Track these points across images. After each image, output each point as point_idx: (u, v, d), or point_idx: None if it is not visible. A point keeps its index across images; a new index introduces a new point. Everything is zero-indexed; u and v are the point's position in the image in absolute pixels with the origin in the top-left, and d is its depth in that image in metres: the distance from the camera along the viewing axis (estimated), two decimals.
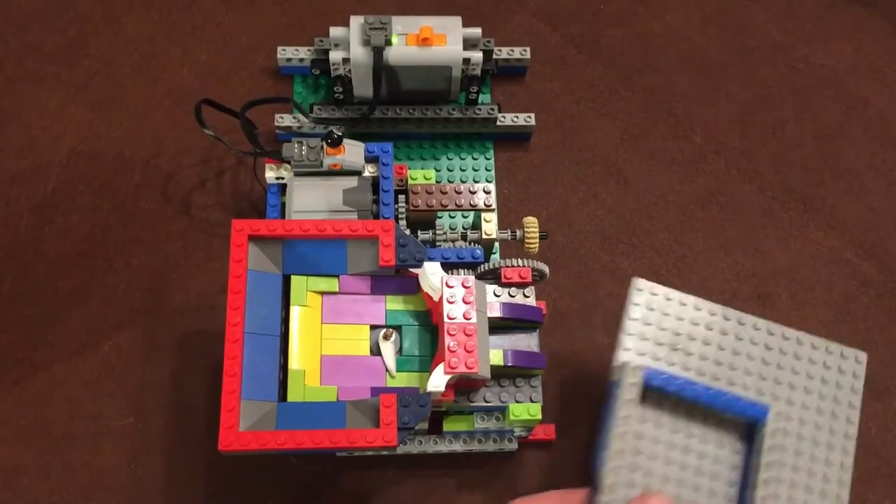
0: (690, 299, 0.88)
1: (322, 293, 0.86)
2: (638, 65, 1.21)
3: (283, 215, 0.95)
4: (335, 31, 1.06)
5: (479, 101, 1.13)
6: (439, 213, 0.98)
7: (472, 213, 1.07)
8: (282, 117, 1.10)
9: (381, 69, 1.04)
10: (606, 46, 1.22)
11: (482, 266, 0.89)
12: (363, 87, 1.08)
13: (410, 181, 0.97)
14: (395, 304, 0.86)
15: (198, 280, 1.05)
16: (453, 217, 1.08)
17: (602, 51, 1.21)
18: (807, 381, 0.86)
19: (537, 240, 0.95)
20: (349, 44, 1.04)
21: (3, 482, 0.95)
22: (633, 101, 1.18)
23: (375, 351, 0.84)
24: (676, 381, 0.83)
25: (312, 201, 0.92)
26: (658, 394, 0.84)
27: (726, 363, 0.86)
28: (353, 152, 0.94)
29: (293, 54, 1.15)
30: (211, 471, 0.96)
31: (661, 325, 0.87)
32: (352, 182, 0.94)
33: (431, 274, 0.84)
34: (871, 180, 1.15)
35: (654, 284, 0.88)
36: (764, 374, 0.86)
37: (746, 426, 0.85)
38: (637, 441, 0.83)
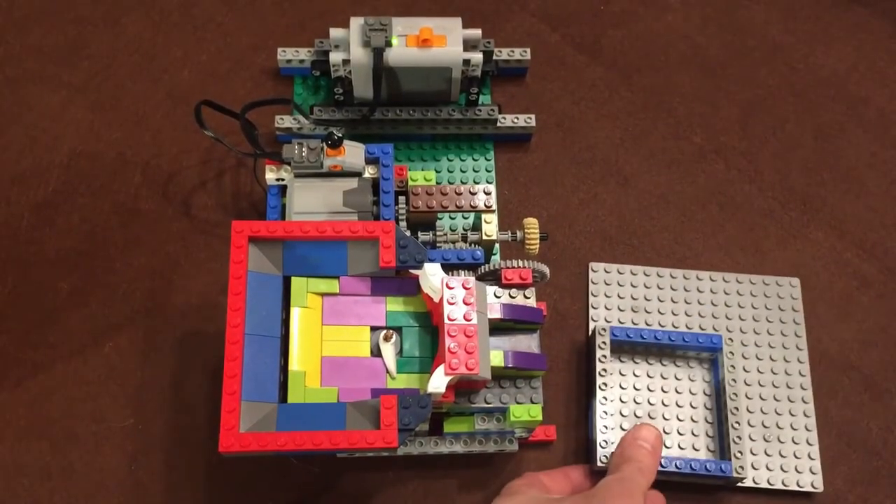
0: (639, 269, 1.08)
1: (322, 294, 0.86)
2: (638, 65, 1.21)
3: (283, 216, 0.95)
4: (335, 33, 1.06)
5: (480, 103, 1.12)
6: (439, 215, 0.98)
7: (472, 215, 1.07)
8: (282, 118, 1.10)
9: (381, 70, 1.04)
10: (607, 47, 1.21)
11: (483, 267, 0.89)
12: (363, 89, 1.08)
13: (411, 182, 0.97)
14: (395, 305, 0.86)
15: (198, 281, 1.05)
16: (453, 218, 1.09)
17: (602, 51, 1.21)
18: (752, 311, 1.06)
19: (538, 241, 0.95)
20: (349, 45, 1.04)
21: (5, 482, 0.95)
22: (633, 101, 1.18)
23: (376, 352, 0.84)
24: (640, 331, 1.00)
25: (313, 203, 0.92)
26: (630, 348, 1.02)
27: (681, 312, 1.06)
28: (353, 153, 0.94)
29: (293, 55, 1.15)
30: (211, 471, 0.96)
31: (619, 295, 1.07)
32: (352, 183, 0.94)
33: (432, 275, 0.84)
34: (871, 180, 1.15)
35: (607, 264, 1.08)
36: (715, 314, 1.06)
37: (710, 360, 1.02)
38: (620, 391, 1.01)
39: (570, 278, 1.08)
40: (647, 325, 1.05)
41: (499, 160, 1.13)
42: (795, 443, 1.00)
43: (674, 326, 1.05)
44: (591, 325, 1.04)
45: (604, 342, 0.99)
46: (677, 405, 1.00)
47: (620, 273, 1.08)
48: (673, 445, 0.98)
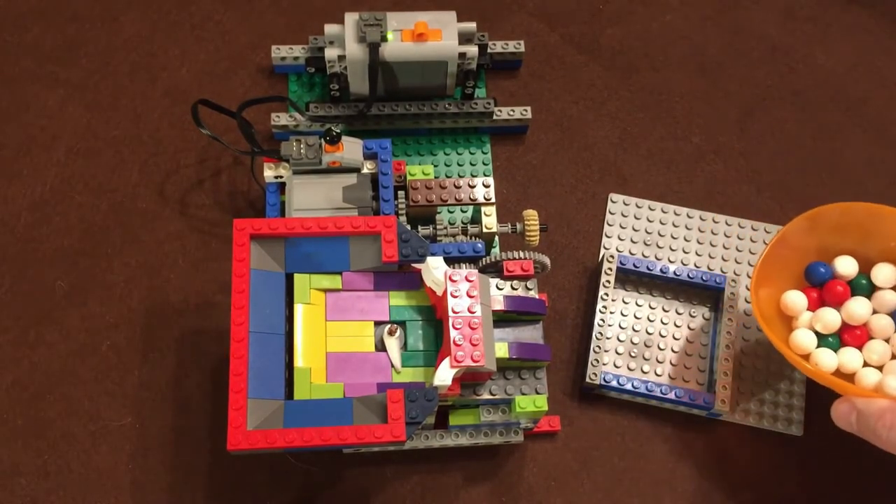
0: (657, 205, 1.11)
1: (325, 290, 0.85)
2: (637, 65, 1.20)
3: (282, 214, 0.95)
4: (330, 29, 1.06)
5: (475, 96, 1.12)
6: (439, 208, 0.98)
7: (470, 208, 1.08)
8: (278, 116, 1.10)
9: (378, 65, 1.04)
10: (605, 46, 1.21)
11: (483, 260, 0.89)
12: (359, 84, 1.08)
13: (409, 177, 0.97)
14: (398, 299, 0.86)
15: (196, 279, 1.04)
16: (452, 212, 1.08)
17: (601, 51, 1.21)
18: None
19: (538, 232, 0.95)
20: (344, 41, 1.04)
21: (2, 482, 0.94)
22: (631, 101, 1.18)
23: (380, 347, 0.84)
24: (646, 262, 1.03)
25: (312, 199, 0.92)
26: (636, 280, 1.06)
27: (692, 250, 1.08)
28: (351, 149, 0.94)
29: (287, 53, 1.14)
30: (210, 470, 0.96)
31: (634, 227, 1.09)
32: (351, 179, 0.94)
33: (435, 268, 0.84)
34: (869, 181, 1.15)
35: (626, 196, 1.11)
36: (724, 256, 1.08)
37: (713, 301, 1.05)
38: (620, 317, 1.04)
39: (568, 278, 1.07)
40: (657, 257, 1.08)
41: (497, 159, 1.13)
42: (783, 388, 1.02)
43: (683, 264, 1.07)
44: (602, 253, 1.08)
45: (610, 268, 1.02)
46: (674, 338, 1.04)
47: (639, 207, 1.11)
48: (664, 374, 1.02)
